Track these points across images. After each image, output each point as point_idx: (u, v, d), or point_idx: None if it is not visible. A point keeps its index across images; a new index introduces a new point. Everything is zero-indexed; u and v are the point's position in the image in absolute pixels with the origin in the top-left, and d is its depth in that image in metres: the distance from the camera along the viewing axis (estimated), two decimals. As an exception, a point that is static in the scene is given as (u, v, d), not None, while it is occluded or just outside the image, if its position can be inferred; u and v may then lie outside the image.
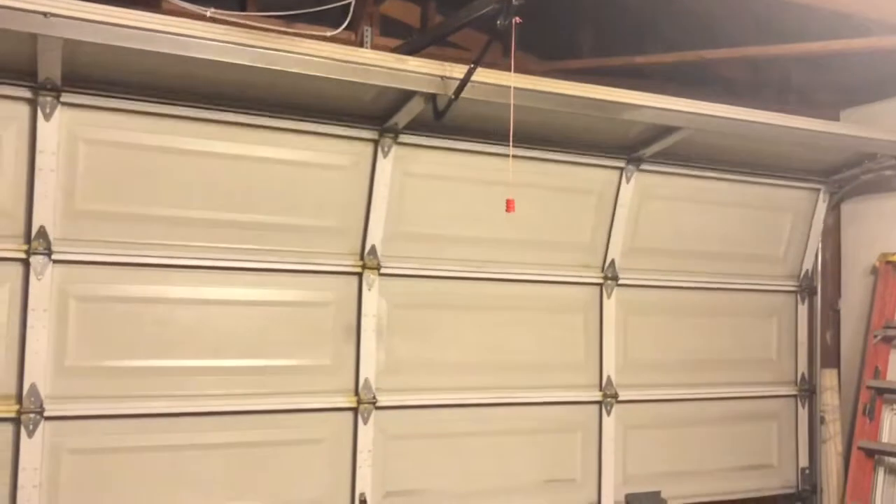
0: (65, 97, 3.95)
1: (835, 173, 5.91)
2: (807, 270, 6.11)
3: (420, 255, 4.81)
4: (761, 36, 5.56)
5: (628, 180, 5.26)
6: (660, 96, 4.70)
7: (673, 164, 5.40)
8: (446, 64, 4.10)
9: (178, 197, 4.25)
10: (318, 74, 3.85)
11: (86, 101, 4.01)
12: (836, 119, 6.24)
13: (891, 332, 5.80)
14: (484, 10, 3.78)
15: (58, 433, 4.01)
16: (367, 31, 4.89)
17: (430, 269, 4.84)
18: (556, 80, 4.53)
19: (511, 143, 3.97)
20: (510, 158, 4.06)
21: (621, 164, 5.23)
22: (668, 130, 4.89)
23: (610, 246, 5.31)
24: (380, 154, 4.56)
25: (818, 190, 5.98)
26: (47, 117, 3.92)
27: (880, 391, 5.84)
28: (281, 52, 3.79)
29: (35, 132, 3.93)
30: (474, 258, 4.94)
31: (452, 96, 4.06)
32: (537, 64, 5.55)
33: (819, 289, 6.13)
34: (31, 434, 3.92)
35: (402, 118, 4.42)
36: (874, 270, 6.00)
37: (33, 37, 3.45)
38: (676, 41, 5.93)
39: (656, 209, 5.46)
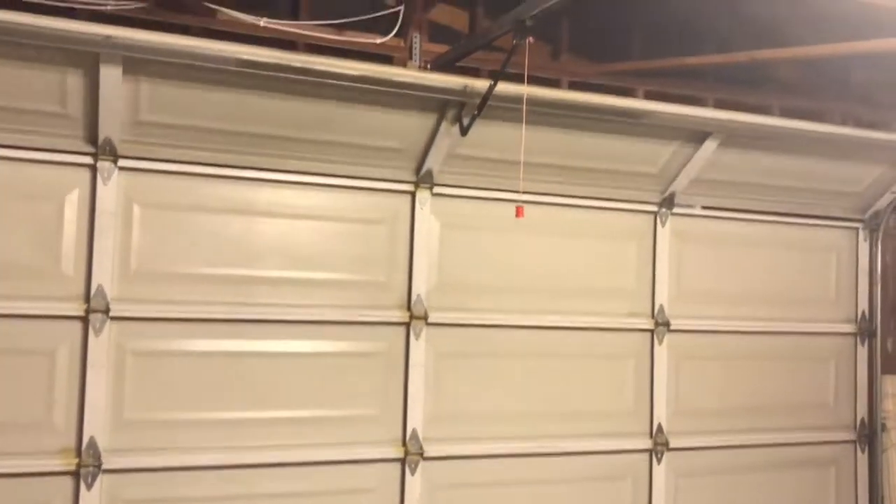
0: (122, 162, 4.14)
1: (869, 208, 5.78)
2: (863, 311, 5.88)
3: (466, 307, 4.84)
4: (816, 34, 5.33)
5: (663, 224, 5.22)
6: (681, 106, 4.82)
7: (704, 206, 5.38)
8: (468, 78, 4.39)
9: (228, 255, 4.39)
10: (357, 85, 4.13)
11: (142, 165, 4.20)
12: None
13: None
14: (502, 33, 4.09)
15: (115, 485, 4.14)
16: (416, 38, 4.87)
17: (478, 318, 4.85)
18: (571, 91, 4.74)
19: (522, 154, 4.05)
20: (521, 165, 4.09)
21: (654, 207, 5.21)
22: (695, 146, 4.92)
23: (656, 291, 5.25)
24: (417, 206, 4.66)
25: (856, 228, 5.84)
26: (105, 181, 4.10)
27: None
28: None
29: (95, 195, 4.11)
30: (520, 307, 4.94)
31: (476, 112, 4.28)
32: (588, 66, 5.42)
33: (878, 327, 5.88)
34: (89, 487, 4.06)
35: (434, 156, 4.56)
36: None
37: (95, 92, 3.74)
38: (728, 41, 5.74)
39: (697, 253, 5.39)
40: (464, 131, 4.43)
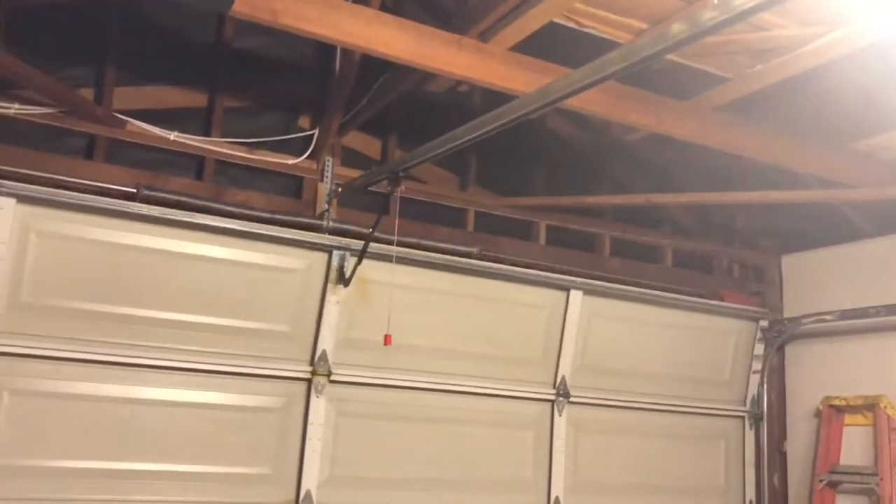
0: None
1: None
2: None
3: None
4: (707, 182, 5.74)
5: (560, 412, 5.39)
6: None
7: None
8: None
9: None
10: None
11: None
12: (779, 263, 6.43)
13: (835, 478, 5.83)
14: (380, 179, 4.46)
15: None
16: (329, 161, 4.98)
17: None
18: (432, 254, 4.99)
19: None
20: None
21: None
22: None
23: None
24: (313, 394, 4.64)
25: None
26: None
27: (828, 538, 5.83)
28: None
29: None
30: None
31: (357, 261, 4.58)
32: (493, 199, 5.68)
33: (766, 422, 6.19)
34: None
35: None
36: (818, 413, 6.05)
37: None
38: (627, 183, 6.10)
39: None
40: (346, 282, 4.61)
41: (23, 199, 4.01)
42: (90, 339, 4.15)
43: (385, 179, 4.33)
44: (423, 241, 5.05)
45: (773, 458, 6.22)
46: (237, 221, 4.44)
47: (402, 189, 4.23)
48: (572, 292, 5.45)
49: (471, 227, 5.51)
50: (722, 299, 6.13)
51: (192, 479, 4.32)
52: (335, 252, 4.66)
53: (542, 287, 5.36)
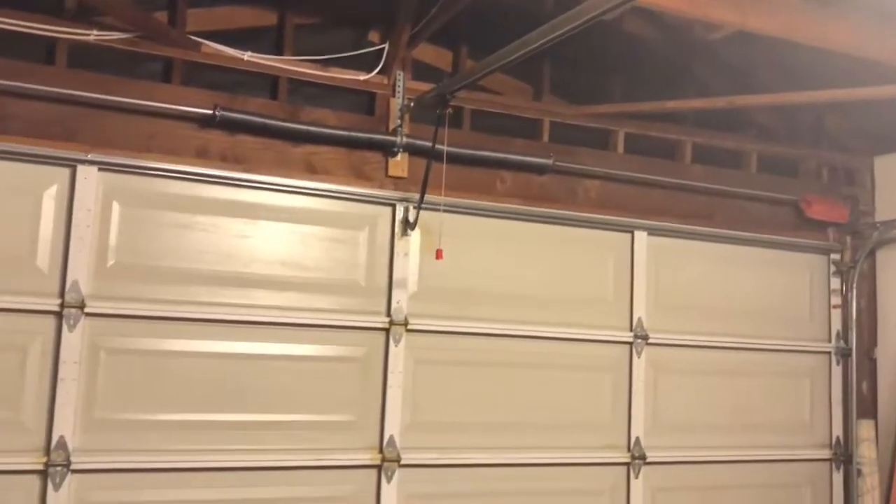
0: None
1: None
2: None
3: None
4: (793, 82, 5.47)
5: (639, 355, 5.35)
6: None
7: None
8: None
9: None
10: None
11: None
12: (871, 165, 6.16)
13: (929, 383, 5.69)
14: (429, 96, 4.56)
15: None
16: (400, 76, 4.95)
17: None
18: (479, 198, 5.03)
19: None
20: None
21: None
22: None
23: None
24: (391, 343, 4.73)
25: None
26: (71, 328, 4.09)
27: (919, 444, 5.73)
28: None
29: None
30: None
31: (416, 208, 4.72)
32: (568, 108, 5.54)
33: (854, 341, 6.03)
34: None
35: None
36: (912, 317, 5.88)
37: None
38: (709, 86, 5.87)
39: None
40: (412, 226, 4.72)
41: (105, 167, 4.18)
42: (182, 300, 4.33)
43: (460, 90, 4.27)
44: (496, 154, 5.05)
45: (863, 366, 6.08)
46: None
47: (450, 110, 4.30)
48: (636, 233, 5.39)
49: (546, 139, 5.41)
50: (809, 205, 5.93)
51: (284, 427, 4.49)
52: (398, 205, 4.79)
53: (604, 230, 5.33)
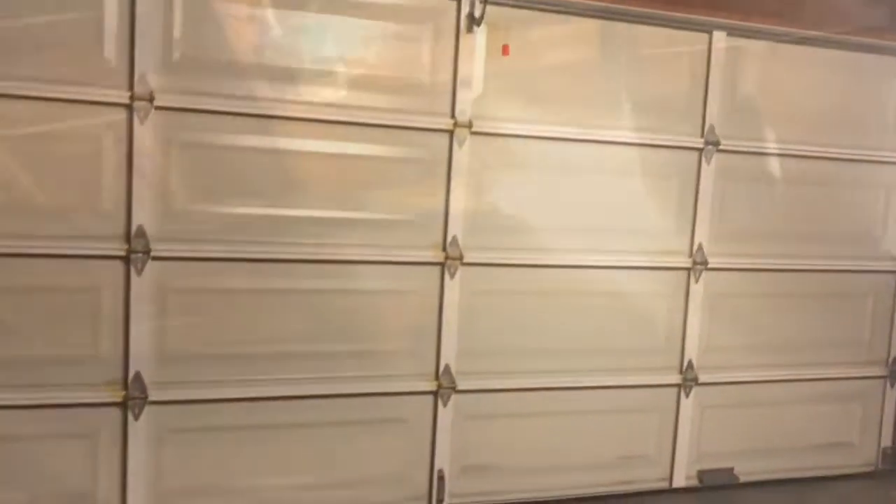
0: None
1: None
2: None
3: (502, 246, 4.82)
4: None
5: (708, 161, 5.18)
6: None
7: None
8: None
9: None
10: None
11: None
12: None
13: None
14: None
15: (161, 415, 4.24)
16: None
17: (512, 258, 4.84)
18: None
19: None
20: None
21: (700, 144, 5.17)
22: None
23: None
24: (455, 145, 4.63)
25: None
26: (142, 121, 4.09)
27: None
28: None
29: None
30: (553, 246, 4.92)
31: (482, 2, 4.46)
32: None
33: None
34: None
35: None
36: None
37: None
38: None
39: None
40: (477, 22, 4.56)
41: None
42: (247, 96, 4.28)
43: None
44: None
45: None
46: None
47: None
48: (715, 34, 5.13)
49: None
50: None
51: (348, 224, 4.52)
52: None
53: (679, 29, 5.06)
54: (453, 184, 4.65)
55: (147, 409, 4.21)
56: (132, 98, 4.08)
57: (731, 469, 5.45)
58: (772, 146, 5.38)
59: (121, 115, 4.08)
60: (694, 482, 5.36)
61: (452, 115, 4.64)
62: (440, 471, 4.75)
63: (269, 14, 4.35)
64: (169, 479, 4.30)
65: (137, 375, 4.18)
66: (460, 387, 4.77)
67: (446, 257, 4.66)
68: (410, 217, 4.63)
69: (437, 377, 4.73)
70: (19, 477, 4.08)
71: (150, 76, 4.09)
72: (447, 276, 4.67)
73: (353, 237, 4.51)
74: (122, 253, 4.12)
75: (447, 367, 4.73)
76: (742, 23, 5.18)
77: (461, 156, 4.66)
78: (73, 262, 4.06)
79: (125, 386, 4.17)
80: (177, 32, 4.16)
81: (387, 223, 4.58)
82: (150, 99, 4.09)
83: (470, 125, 4.66)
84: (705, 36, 5.15)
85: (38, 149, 3.99)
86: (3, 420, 4.03)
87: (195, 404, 4.31)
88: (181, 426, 4.30)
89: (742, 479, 5.46)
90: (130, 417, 4.18)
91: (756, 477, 5.50)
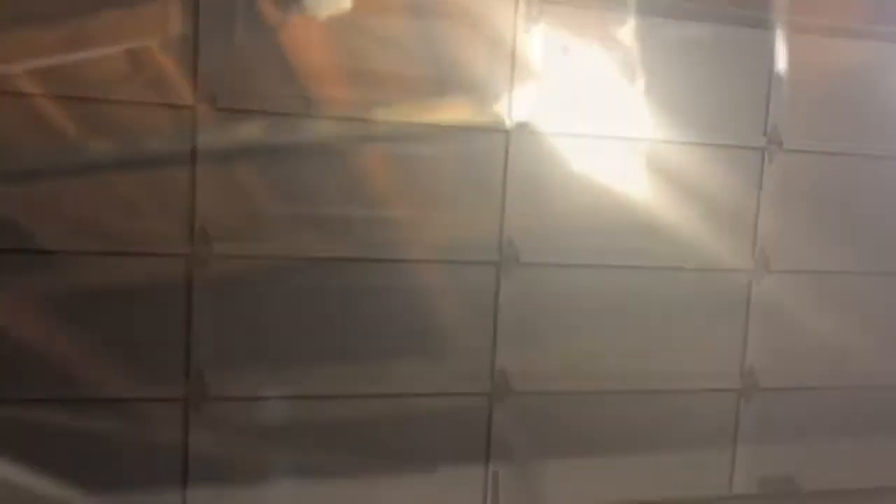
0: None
1: None
2: None
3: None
4: None
5: (771, 160, 4.99)
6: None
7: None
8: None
9: None
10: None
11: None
12: None
13: None
14: None
15: None
16: None
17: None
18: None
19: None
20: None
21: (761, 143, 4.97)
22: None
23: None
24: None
25: None
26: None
27: None
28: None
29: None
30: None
31: None
32: None
33: None
34: None
35: None
36: None
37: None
38: None
39: None
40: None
41: None
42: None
43: None
44: None
45: None
46: None
47: None
48: None
49: None
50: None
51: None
52: None
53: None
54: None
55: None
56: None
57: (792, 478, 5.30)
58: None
59: None
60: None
61: (508, 116, 4.58)
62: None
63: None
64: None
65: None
66: (516, 389, 4.70)
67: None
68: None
69: (491, 378, 4.66)
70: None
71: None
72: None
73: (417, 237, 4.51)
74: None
75: (503, 370, 4.68)
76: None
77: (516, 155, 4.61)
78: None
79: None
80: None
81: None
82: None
83: (525, 125, 4.60)
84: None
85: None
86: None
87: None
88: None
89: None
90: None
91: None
